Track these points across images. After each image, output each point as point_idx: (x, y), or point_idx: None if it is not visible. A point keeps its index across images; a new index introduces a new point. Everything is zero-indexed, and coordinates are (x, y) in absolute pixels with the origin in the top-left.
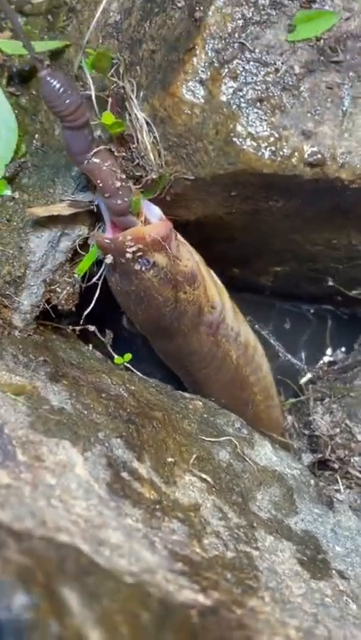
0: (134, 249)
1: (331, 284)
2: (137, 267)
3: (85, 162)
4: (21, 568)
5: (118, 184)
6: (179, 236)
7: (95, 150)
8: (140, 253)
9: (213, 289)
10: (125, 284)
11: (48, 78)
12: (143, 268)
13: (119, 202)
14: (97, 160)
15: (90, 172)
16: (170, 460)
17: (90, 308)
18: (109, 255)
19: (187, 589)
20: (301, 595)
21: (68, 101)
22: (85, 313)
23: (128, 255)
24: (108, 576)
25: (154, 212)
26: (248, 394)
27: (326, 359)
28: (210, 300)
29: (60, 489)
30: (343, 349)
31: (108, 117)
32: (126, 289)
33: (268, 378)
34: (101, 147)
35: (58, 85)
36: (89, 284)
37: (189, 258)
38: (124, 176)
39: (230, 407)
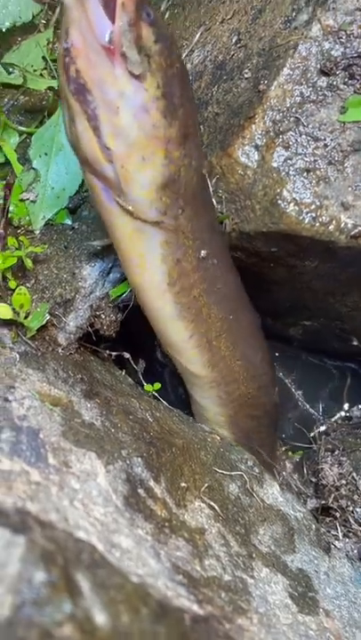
0: None
1: (355, 343)
2: None
3: None
4: (44, 551)
5: None
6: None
7: None
8: None
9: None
10: None
11: None
12: None
13: None
14: None
15: None
16: (183, 484)
17: (117, 328)
18: None
19: (183, 598)
20: (287, 624)
21: None
22: (122, 339)
23: None
24: (117, 572)
25: None
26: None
27: (343, 414)
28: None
29: (82, 493)
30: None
31: None
32: None
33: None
34: None
35: None
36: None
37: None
38: None
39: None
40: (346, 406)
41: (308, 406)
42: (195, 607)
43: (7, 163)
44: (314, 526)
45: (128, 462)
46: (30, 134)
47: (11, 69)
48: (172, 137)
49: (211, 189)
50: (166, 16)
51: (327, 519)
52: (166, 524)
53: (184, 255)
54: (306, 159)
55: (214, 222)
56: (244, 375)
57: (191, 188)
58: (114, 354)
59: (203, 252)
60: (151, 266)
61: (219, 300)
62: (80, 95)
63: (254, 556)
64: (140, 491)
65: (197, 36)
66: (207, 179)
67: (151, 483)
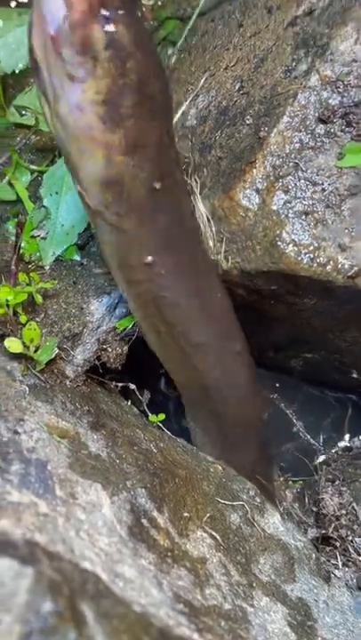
0: None
1: (355, 376)
2: None
3: None
4: (51, 581)
5: None
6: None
7: None
8: None
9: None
10: None
11: None
12: None
13: None
14: None
15: None
16: (186, 514)
17: (123, 360)
18: None
19: (184, 627)
20: None
21: None
22: (127, 371)
23: None
24: (120, 602)
25: None
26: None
27: (343, 444)
28: None
29: (88, 524)
30: None
31: None
32: None
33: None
34: None
35: None
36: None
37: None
38: None
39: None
40: (347, 437)
41: (308, 437)
42: (195, 636)
43: (19, 200)
44: (314, 555)
45: (132, 493)
46: (41, 173)
47: (23, 111)
48: (115, 144)
49: (190, 209)
50: (173, 60)
51: (327, 548)
52: (169, 553)
53: (128, 253)
54: (304, 202)
55: (182, 242)
56: (220, 388)
57: (138, 199)
58: (120, 385)
59: (149, 259)
60: (106, 247)
61: (170, 310)
62: (35, 70)
63: (254, 585)
64: (144, 521)
65: (202, 81)
66: (181, 198)
67: (154, 513)
